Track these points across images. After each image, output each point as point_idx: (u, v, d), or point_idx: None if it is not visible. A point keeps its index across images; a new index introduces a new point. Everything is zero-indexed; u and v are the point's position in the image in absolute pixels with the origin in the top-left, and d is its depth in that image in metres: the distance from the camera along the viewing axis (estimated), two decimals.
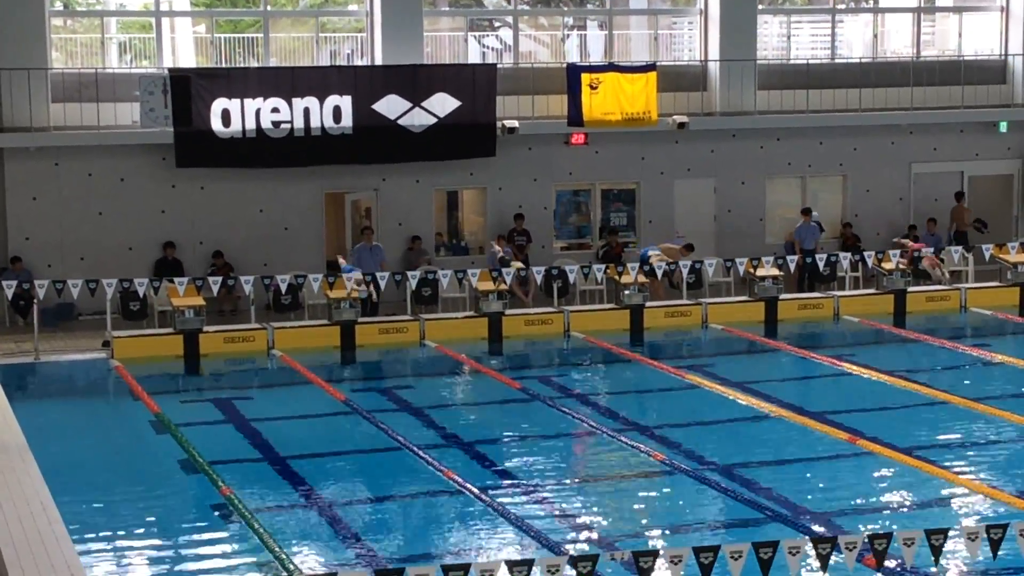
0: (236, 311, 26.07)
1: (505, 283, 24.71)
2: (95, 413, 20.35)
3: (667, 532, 14.04)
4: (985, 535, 10.23)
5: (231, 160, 26.57)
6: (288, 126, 26.64)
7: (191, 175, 26.71)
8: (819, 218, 29.99)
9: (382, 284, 24.56)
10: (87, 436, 18.86)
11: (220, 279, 24.18)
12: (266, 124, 26.48)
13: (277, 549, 13.14)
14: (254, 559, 13.28)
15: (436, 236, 28.98)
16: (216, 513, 14.93)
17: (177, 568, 13.36)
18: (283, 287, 24.67)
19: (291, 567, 12.52)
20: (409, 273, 25.28)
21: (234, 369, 22.83)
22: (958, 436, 17.51)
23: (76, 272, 24.98)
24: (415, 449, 17.08)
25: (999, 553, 10.39)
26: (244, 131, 26.37)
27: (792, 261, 26.51)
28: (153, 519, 14.88)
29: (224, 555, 13.66)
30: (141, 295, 24.11)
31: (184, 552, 13.83)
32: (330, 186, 27.95)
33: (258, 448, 17.90)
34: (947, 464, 16.02)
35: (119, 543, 14.14)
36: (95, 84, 26.29)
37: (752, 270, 26.29)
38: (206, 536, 14.35)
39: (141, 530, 14.57)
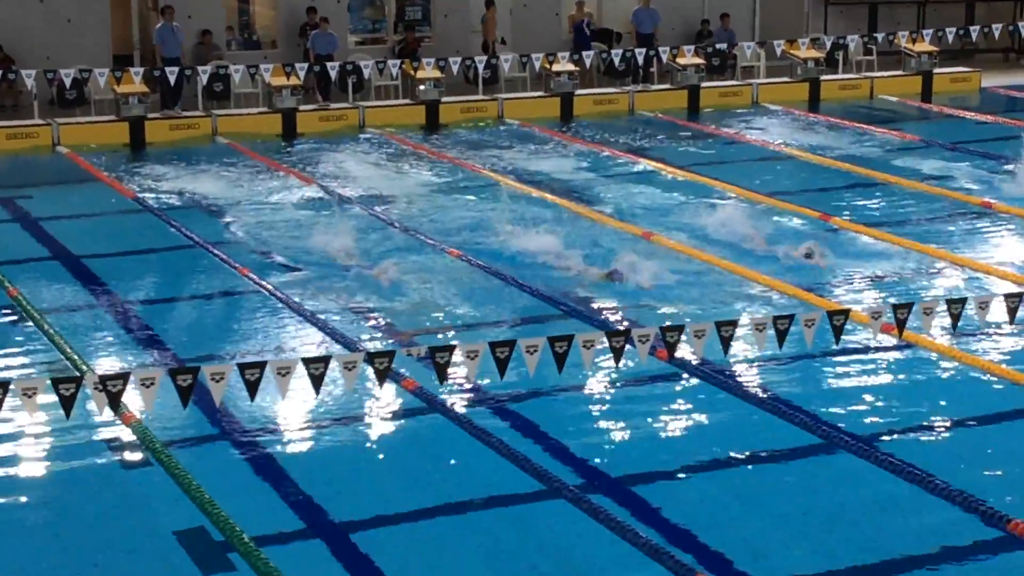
0: (17, 106, 25.18)
1: None
2: None
3: (464, 328, 14.13)
4: (772, 326, 10.49)
5: None
6: None
7: None
8: (592, 21, 29.75)
9: (171, 79, 23.97)
10: None
11: None
12: None
13: (69, 350, 12.89)
14: (45, 361, 13.01)
15: (227, 30, 28.22)
16: (3, 313, 14.55)
17: None
18: (67, 81, 23.85)
19: (83, 368, 12.30)
20: (200, 68, 24.67)
21: (17, 166, 22.10)
22: (748, 231, 17.84)
23: None
24: (208, 247, 16.83)
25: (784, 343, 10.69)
26: None
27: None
28: None
29: (13, 357, 13.33)
30: None
31: None
32: None
33: (46, 247, 17.45)
34: (737, 258, 16.36)
35: None
36: None
37: (548, 66, 26.26)
38: None
39: None
